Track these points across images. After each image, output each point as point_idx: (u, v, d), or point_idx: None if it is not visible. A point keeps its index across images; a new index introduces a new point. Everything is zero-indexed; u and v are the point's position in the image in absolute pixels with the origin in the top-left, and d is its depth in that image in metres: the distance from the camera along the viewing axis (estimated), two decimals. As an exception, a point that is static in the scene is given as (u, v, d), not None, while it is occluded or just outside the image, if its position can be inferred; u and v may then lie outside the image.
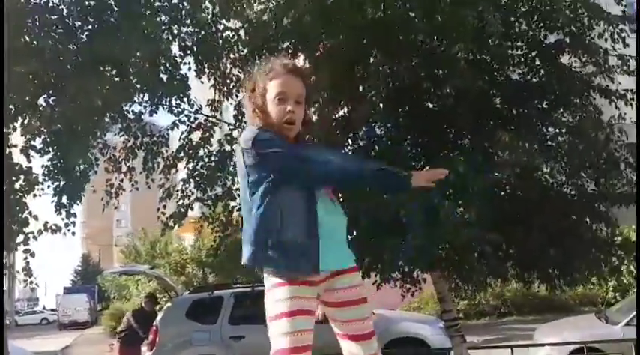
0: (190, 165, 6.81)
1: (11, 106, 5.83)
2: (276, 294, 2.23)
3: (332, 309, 2.38)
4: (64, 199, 6.67)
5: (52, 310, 49.17)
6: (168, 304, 10.10)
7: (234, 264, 7.68)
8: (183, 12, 6.87)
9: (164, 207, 7.03)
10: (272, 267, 2.26)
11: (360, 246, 5.39)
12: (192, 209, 6.90)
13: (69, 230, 7.06)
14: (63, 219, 6.90)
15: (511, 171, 5.42)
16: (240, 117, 6.93)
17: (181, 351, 8.84)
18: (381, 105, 5.89)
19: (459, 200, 5.17)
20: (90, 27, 6.28)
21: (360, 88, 6.09)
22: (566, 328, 9.51)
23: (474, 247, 5.13)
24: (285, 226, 2.22)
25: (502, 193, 5.87)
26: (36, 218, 5.81)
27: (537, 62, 6.48)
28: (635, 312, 7.91)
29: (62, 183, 6.44)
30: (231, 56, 7.21)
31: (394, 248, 5.45)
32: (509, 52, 6.40)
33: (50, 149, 6.17)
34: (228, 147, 6.89)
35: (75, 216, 7.00)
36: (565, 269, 6.05)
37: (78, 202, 6.77)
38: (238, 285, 9.75)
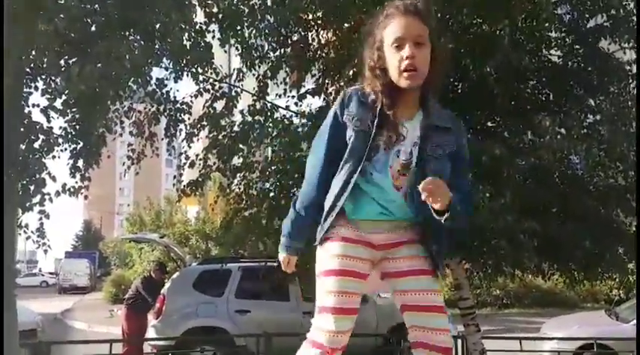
0: (212, 135, 6.64)
1: (32, 65, 5.66)
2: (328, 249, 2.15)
3: (392, 280, 2.23)
4: (80, 162, 6.54)
5: (50, 273, 49.33)
6: (177, 274, 10.04)
7: (247, 237, 7.59)
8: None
9: (180, 175, 6.90)
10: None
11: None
12: (210, 179, 6.76)
13: (82, 193, 6.93)
14: (77, 183, 6.78)
15: (551, 157, 5.21)
16: (264, 88, 6.75)
17: (187, 321, 8.74)
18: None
19: (492, 184, 4.97)
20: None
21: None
22: (576, 323, 9.43)
23: (507, 235, 4.95)
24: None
25: (536, 180, 5.66)
26: (54, 179, 5.67)
27: (576, 46, 6.28)
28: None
29: (79, 146, 6.29)
30: (257, 25, 6.97)
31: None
32: (549, 34, 6.19)
33: (69, 111, 6.00)
34: (249, 118, 6.72)
35: (89, 179, 6.87)
36: (593, 263, 5.90)
37: (94, 166, 6.63)
38: (246, 259, 9.67)
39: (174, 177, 6.94)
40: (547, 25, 5.73)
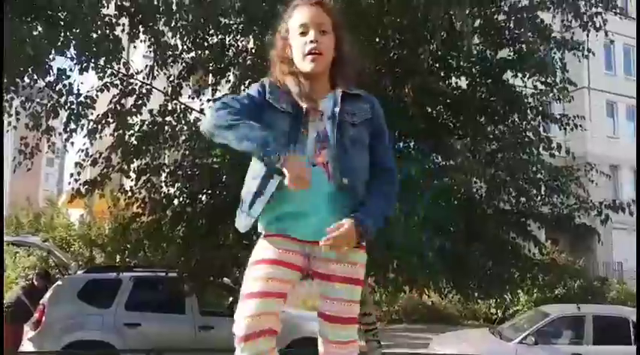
0: (118, 133, 6.22)
1: None
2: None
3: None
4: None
5: None
6: (59, 282, 9.29)
7: (144, 245, 7.18)
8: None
9: (78, 173, 6.39)
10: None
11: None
12: (110, 179, 6.33)
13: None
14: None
15: (460, 179, 5.42)
16: (178, 90, 6.45)
17: (69, 334, 8.10)
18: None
19: (406, 202, 5.06)
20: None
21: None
22: (464, 341, 9.90)
23: (418, 252, 5.06)
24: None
25: (446, 200, 5.87)
26: None
27: (483, 76, 6.60)
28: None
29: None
30: (173, 24, 6.66)
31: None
32: (459, 63, 6.46)
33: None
34: (160, 119, 6.38)
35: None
36: (490, 282, 6.18)
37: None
38: (139, 268, 9.16)
39: (71, 174, 6.41)
40: (461, 54, 5.97)
